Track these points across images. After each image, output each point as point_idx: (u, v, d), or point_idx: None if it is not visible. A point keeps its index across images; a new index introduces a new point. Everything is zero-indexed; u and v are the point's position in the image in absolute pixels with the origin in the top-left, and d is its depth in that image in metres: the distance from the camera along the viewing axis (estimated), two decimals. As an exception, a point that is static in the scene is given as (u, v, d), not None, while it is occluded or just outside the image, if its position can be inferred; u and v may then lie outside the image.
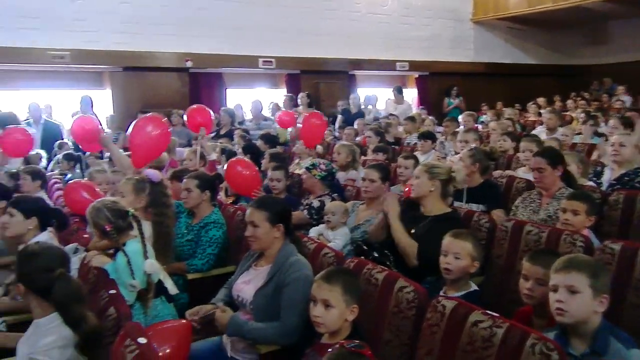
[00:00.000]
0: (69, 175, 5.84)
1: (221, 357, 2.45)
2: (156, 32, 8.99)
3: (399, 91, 9.98)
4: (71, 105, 8.28)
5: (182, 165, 5.27)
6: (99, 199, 2.76)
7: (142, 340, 1.72)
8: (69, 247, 2.89)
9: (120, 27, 8.69)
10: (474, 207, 3.62)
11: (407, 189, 3.38)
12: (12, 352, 2.17)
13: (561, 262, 1.86)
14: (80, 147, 6.09)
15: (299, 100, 9.07)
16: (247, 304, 2.42)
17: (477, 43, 12.86)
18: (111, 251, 2.67)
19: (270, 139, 6.19)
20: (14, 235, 2.99)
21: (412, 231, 2.87)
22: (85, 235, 3.33)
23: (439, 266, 2.40)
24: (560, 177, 3.35)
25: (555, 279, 1.82)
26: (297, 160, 5.78)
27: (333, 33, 10.70)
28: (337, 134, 7.88)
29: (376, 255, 2.82)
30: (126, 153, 4.19)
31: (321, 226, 3.52)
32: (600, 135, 6.12)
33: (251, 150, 5.37)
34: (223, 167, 4.71)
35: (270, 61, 10.19)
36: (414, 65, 11.87)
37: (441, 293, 2.35)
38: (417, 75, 12.23)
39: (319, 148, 5.81)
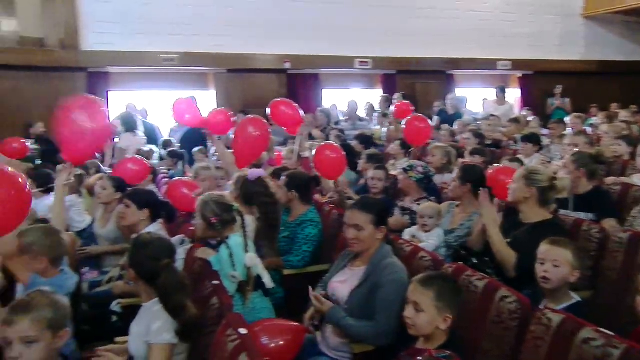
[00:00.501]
0: (172, 172, 6.19)
1: (312, 353, 2.48)
2: (257, 34, 9.33)
3: (502, 91, 9.53)
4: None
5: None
6: (208, 193, 2.92)
7: (243, 331, 1.80)
8: (176, 239, 3.07)
9: (225, 31, 9.12)
10: (582, 215, 3.38)
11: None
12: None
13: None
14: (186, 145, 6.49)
15: (394, 101, 8.99)
16: (342, 304, 2.44)
17: (588, 39, 11.99)
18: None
19: (366, 140, 6.18)
20: (128, 225, 3.24)
21: (508, 240, 2.74)
22: (191, 228, 3.53)
23: (535, 276, 2.27)
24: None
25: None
26: (392, 161, 5.73)
27: (430, 32, 10.48)
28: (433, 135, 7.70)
29: (475, 261, 2.72)
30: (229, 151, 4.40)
31: (414, 228, 3.47)
32: None
33: (346, 150, 5.39)
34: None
35: (367, 62, 10.20)
36: (516, 64, 11.33)
37: (542, 305, 2.22)
38: (520, 75, 11.66)
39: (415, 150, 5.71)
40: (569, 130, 6.30)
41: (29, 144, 6.28)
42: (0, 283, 2.58)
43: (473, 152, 5.24)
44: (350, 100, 8.41)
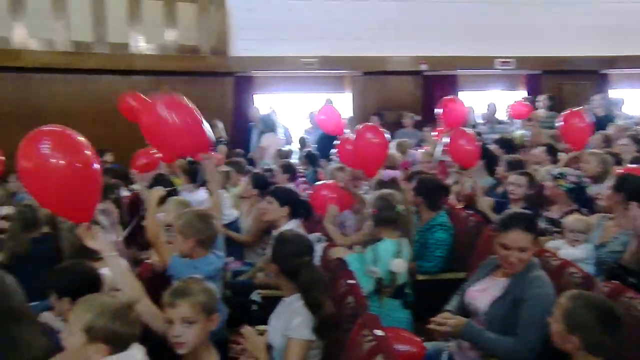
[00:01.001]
0: (307, 172, 6.37)
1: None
2: (393, 36, 9.29)
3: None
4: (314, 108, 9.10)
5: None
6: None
7: (379, 332, 1.81)
8: (313, 236, 3.18)
9: (362, 34, 9.21)
10: None
11: None
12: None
13: None
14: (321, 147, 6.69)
15: (538, 103, 8.41)
16: (480, 313, 2.34)
17: None
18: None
19: (507, 144, 5.85)
20: (269, 220, 3.42)
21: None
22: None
23: None
24: None
25: None
26: (534, 167, 5.36)
27: (581, 28, 9.62)
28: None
29: (634, 281, 2.45)
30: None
31: (560, 241, 3.21)
32: None
33: (485, 154, 5.16)
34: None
35: (509, 61, 9.67)
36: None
37: None
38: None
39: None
40: None
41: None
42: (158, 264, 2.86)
43: (634, 161, 4.70)
44: (489, 102, 8.05)
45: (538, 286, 2.17)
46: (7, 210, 4.75)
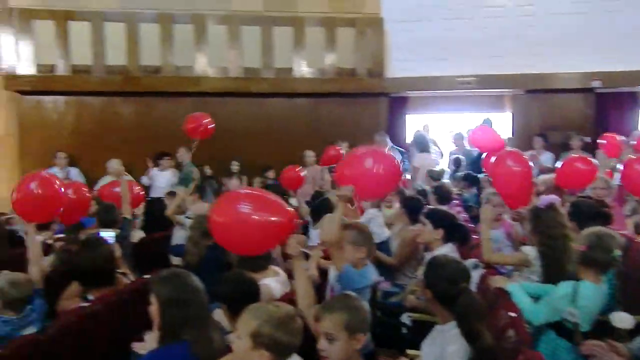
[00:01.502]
0: (466, 195, 6.13)
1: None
2: (560, 52, 8.65)
3: None
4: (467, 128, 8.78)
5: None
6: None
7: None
8: (470, 262, 3.04)
9: (525, 50, 8.73)
10: None
11: None
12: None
13: None
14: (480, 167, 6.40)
15: None
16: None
17: None
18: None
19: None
20: (423, 242, 3.37)
21: None
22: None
23: None
24: None
25: None
26: None
27: None
28: None
29: None
30: None
31: None
32: None
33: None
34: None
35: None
36: None
37: None
38: None
39: None
40: None
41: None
42: (315, 279, 2.98)
43: None
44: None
45: None
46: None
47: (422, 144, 7.89)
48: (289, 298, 2.66)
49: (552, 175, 4.74)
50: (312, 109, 9.12)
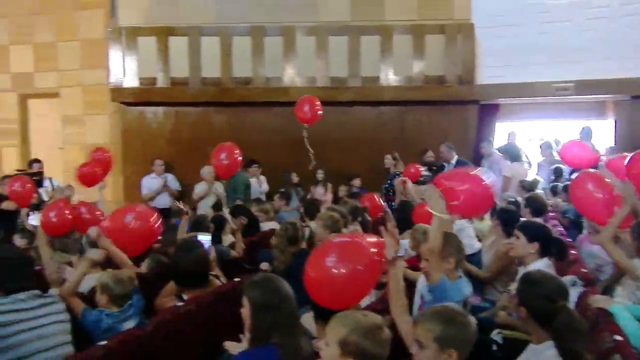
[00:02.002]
0: (566, 207, 5.75)
1: None
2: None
3: None
4: (570, 137, 8.28)
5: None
6: None
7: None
8: (567, 279, 2.87)
9: (630, 54, 8.12)
10: None
11: None
12: None
13: None
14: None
15: None
16: None
17: None
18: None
19: None
20: (516, 256, 3.21)
21: None
22: (584, 270, 3.24)
23: None
24: None
25: None
26: None
27: None
28: None
29: None
30: None
31: None
32: None
33: None
34: None
35: None
36: None
37: None
38: None
39: None
40: None
41: (422, 170, 7.02)
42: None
43: None
44: None
45: None
46: (272, 225, 5.49)
47: (513, 153, 7.55)
48: (375, 308, 2.65)
49: None
50: (398, 117, 9.04)
